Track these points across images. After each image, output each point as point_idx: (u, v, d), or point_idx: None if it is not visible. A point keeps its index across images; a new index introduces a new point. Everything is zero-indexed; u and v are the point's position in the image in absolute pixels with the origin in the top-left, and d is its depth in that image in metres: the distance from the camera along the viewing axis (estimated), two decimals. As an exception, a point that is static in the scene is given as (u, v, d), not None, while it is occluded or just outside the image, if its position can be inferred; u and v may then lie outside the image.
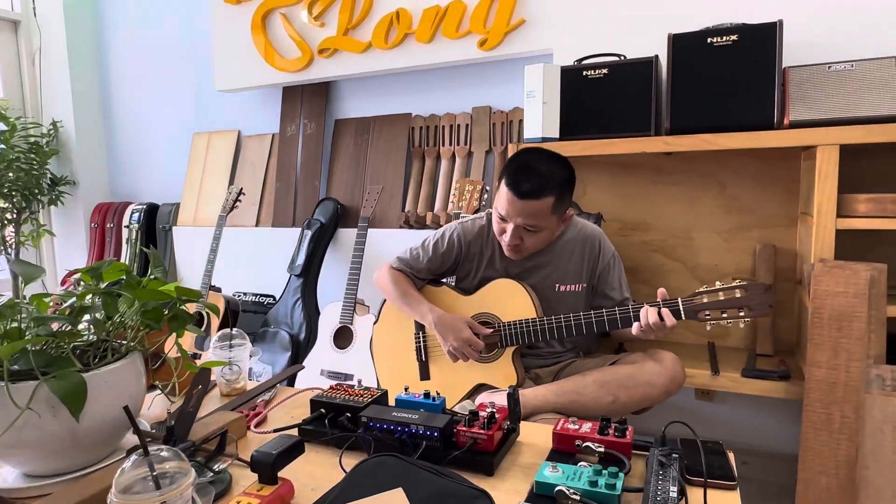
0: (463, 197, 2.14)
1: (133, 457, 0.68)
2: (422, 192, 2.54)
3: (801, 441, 1.46)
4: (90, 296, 0.98)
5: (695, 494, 0.77)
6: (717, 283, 1.35)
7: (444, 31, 2.32)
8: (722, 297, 1.32)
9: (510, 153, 1.89)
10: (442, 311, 1.51)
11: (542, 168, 1.36)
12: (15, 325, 0.89)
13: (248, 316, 2.79)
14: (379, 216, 2.56)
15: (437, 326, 1.49)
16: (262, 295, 2.81)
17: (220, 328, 2.45)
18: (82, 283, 1.02)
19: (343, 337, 2.29)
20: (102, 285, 1.01)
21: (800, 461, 1.46)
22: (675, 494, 0.68)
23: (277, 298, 2.66)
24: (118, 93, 3.49)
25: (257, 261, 2.87)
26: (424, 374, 1.61)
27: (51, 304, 0.98)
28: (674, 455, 0.78)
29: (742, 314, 1.31)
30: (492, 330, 1.48)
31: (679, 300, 1.36)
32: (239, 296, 2.85)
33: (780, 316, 1.88)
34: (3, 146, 3.04)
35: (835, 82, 1.58)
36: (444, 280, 1.66)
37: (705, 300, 1.34)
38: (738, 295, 1.32)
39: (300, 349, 2.43)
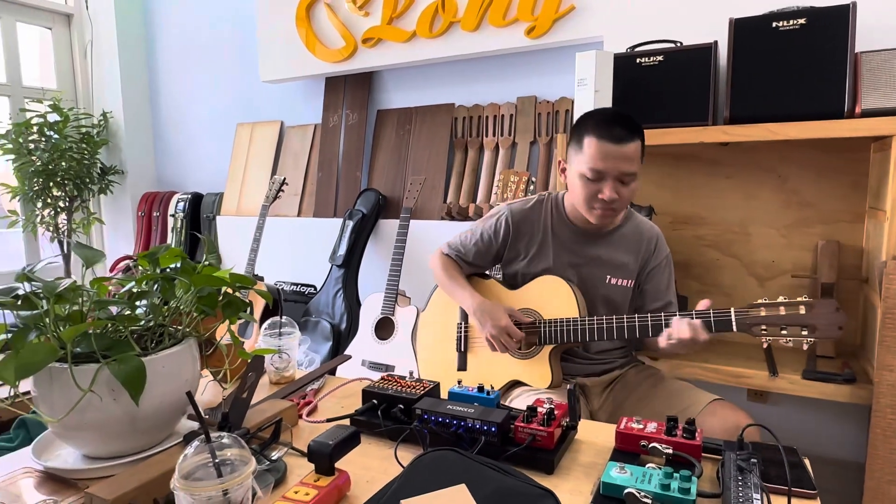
0: (508, 188, 2.10)
1: (195, 443, 0.67)
2: (464, 183, 2.51)
3: (869, 448, 1.38)
4: (147, 281, 0.98)
5: (775, 503, 0.72)
6: (781, 297, 1.20)
7: (491, 18, 2.27)
8: (783, 312, 1.17)
9: (557, 144, 1.85)
10: (483, 298, 1.48)
11: (622, 113, 1.34)
12: (76, 308, 0.90)
13: (288, 305, 2.81)
14: (421, 207, 2.54)
15: (477, 312, 1.46)
16: (302, 284, 2.83)
17: (262, 317, 2.47)
18: (139, 267, 1.03)
19: (384, 328, 2.28)
20: (158, 270, 1.01)
21: (867, 469, 1.38)
22: (759, 502, 0.63)
23: (318, 288, 2.67)
24: (165, 84, 3.56)
25: (298, 250, 2.89)
26: (462, 365, 1.58)
27: (109, 288, 0.99)
28: (753, 460, 0.74)
29: (805, 334, 1.15)
30: (532, 319, 1.44)
31: (732, 311, 1.22)
32: (280, 285, 2.87)
33: (843, 316, 1.78)
34: (56, 136, 3.13)
35: (912, 68, 1.48)
36: (490, 273, 1.63)
37: (763, 313, 1.19)
38: (802, 312, 1.15)
39: (341, 339, 2.44)
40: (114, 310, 0.95)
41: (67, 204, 3.29)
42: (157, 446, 0.94)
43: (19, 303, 0.87)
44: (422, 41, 2.45)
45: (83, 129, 3.32)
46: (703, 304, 1.27)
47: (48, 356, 0.80)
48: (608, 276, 1.45)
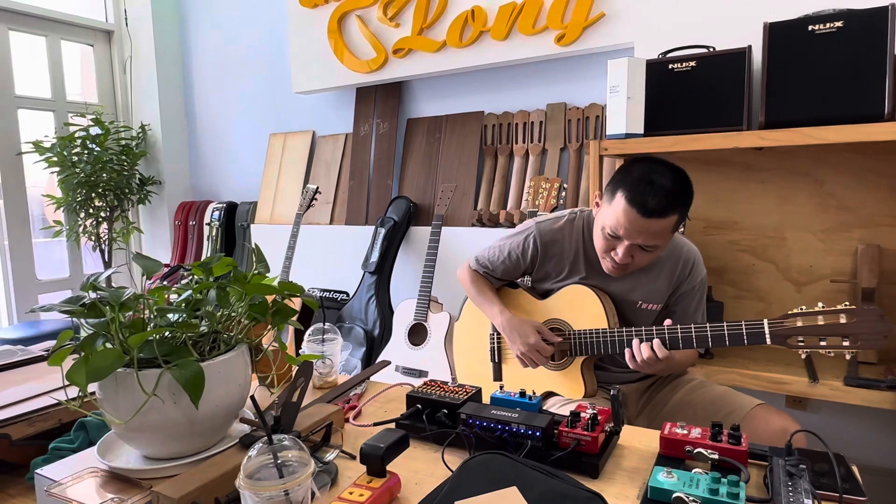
0: (539, 195, 2.11)
1: (259, 444, 0.71)
2: (494, 190, 2.53)
3: (916, 456, 1.36)
4: (202, 289, 1.02)
5: (824, 509, 0.72)
6: (820, 304, 1.14)
7: (521, 27, 2.30)
8: (821, 322, 1.10)
9: (587, 150, 1.86)
10: (511, 313, 1.47)
11: (667, 183, 1.22)
12: (138, 315, 0.94)
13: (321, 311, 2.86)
14: (452, 214, 2.57)
15: (506, 330, 1.46)
16: (335, 291, 2.88)
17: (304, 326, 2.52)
18: (194, 276, 1.07)
19: (417, 334, 2.31)
20: (212, 279, 1.06)
21: (914, 478, 1.36)
22: (810, 508, 0.64)
23: (351, 295, 2.72)
24: (200, 97, 3.66)
25: (331, 258, 2.95)
26: (497, 376, 1.60)
27: (166, 296, 1.03)
28: (802, 466, 0.74)
29: (846, 344, 1.08)
30: (561, 338, 1.43)
31: (765, 322, 1.15)
32: (313, 291, 2.93)
33: (885, 321, 1.75)
34: (98, 149, 3.25)
35: (955, 69, 1.46)
36: (520, 281, 1.63)
37: (799, 323, 1.12)
38: (842, 321, 1.09)
39: (374, 345, 2.48)
40: (172, 317, 0.99)
41: (108, 214, 3.41)
42: (212, 448, 0.97)
43: (86, 311, 0.92)
44: (452, 50, 2.49)
45: (123, 142, 3.44)
46: (667, 322, 1.25)
47: (116, 361, 0.84)
48: (640, 302, 1.42)
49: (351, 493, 0.78)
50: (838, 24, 1.56)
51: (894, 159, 1.72)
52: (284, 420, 0.94)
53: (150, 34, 3.54)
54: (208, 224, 3.40)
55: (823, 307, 1.13)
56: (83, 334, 0.90)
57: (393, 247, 2.63)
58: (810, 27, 1.59)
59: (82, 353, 0.85)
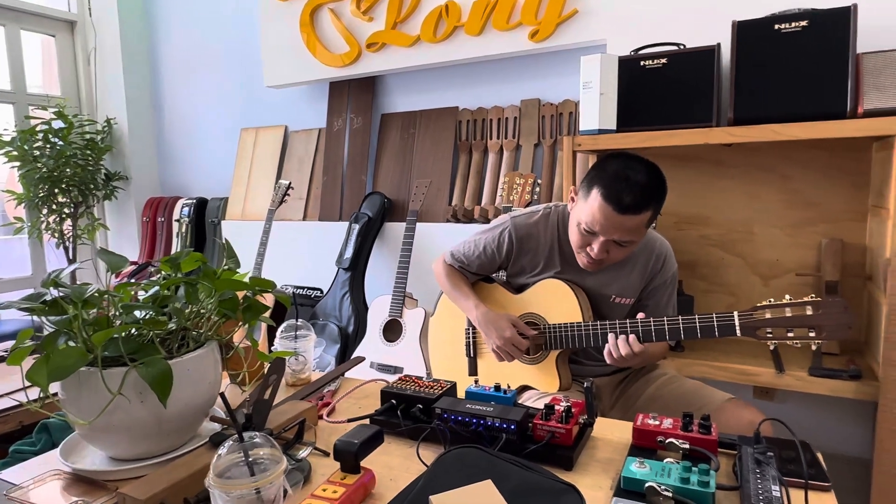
0: (513, 191, 2.12)
1: (229, 442, 0.69)
2: (469, 185, 2.53)
3: (877, 443, 1.40)
4: (170, 285, 1.00)
5: (792, 496, 0.74)
6: (787, 296, 1.16)
7: (495, 23, 2.29)
8: (789, 314, 1.13)
9: (561, 146, 1.87)
10: (487, 308, 1.48)
11: (642, 179, 1.24)
12: (102, 312, 0.91)
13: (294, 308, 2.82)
14: (426, 210, 2.56)
15: (482, 324, 1.46)
16: (309, 288, 2.84)
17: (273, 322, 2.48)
18: (161, 272, 1.05)
19: (392, 330, 2.30)
20: (180, 275, 1.03)
21: (875, 464, 1.40)
22: (778, 494, 0.65)
23: (325, 291, 2.69)
24: (169, 90, 3.58)
25: (304, 254, 2.91)
26: (472, 371, 1.60)
27: (133, 293, 1.00)
28: (769, 454, 0.76)
29: (813, 335, 1.11)
30: (536, 332, 1.44)
31: (735, 315, 1.18)
32: (287, 288, 2.89)
33: (847, 313, 1.80)
34: (61, 143, 3.15)
35: (913, 69, 1.51)
36: (496, 276, 1.63)
37: (768, 316, 1.15)
38: (809, 313, 1.11)
39: (349, 342, 2.46)
40: (137, 314, 0.97)
41: (72, 210, 3.30)
42: (182, 448, 0.95)
43: (47, 308, 0.89)
44: (426, 45, 2.48)
45: (87, 136, 3.34)
46: (640, 316, 1.27)
47: (79, 360, 0.81)
48: (614, 296, 1.43)
49: (324, 490, 0.77)
50: (803, 23, 1.59)
51: (856, 156, 1.77)
52: (256, 418, 0.92)
53: (116, 25, 3.44)
54: (178, 220, 3.33)
55: (791, 300, 1.16)
56: (46, 333, 0.87)
57: (367, 243, 2.61)
58: (776, 26, 1.62)
59: (43, 353, 0.82)
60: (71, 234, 3.32)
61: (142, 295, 1.01)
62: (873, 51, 1.56)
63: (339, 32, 2.68)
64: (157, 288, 0.98)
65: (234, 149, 3.30)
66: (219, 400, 1.19)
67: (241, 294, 1.04)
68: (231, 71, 3.29)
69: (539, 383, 1.45)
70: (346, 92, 2.88)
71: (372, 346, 2.31)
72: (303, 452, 0.88)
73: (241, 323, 1.08)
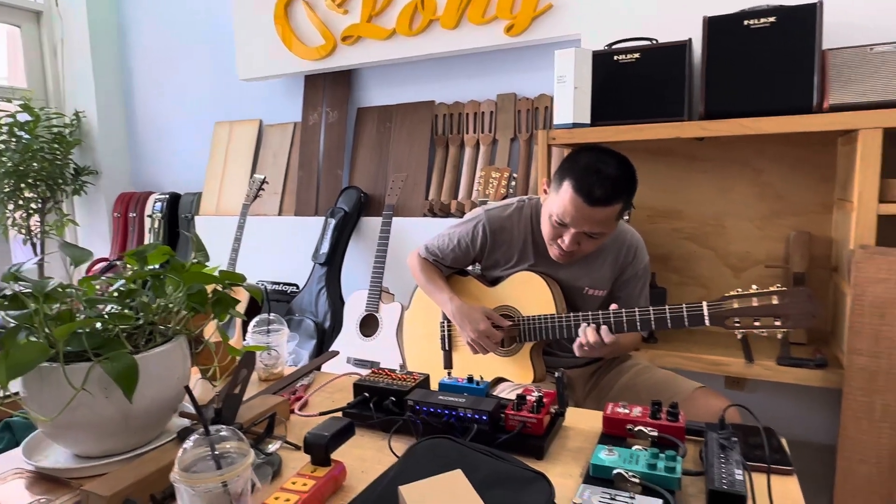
0: (489, 185, 2.12)
1: (195, 436, 0.68)
2: (445, 180, 2.53)
3: (841, 430, 1.44)
4: (136, 279, 0.98)
5: (755, 480, 0.75)
6: (753, 286, 1.19)
7: (470, 16, 2.29)
8: (756, 304, 1.16)
9: (537, 141, 1.88)
10: (461, 301, 1.48)
11: (613, 171, 1.25)
12: (65, 307, 0.89)
13: (271, 304, 2.80)
14: (403, 204, 2.55)
15: (456, 317, 1.46)
16: (284, 283, 2.82)
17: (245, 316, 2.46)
18: (127, 266, 1.03)
19: (369, 325, 2.29)
20: (147, 269, 1.01)
21: (839, 450, 1.44)
22: (741, 477, 0.67)
23: (301, 287, 2.67)
24: (140, 83, 3.50)
25: (280, 249, 2.88)
26: (447, 364, 1.60)
27: (97, 287, 0.98)
28: (734, 439, 0.77)
29: (778, 324, 1.14)
30: (511, 323, 1.44)
31: (704, 305, 1.21)
32: (262, 284, 2.86)
33: (814, 304, 1.85)
34: (27, 137, 3.06)
35: (876, 64, 1.54)
36: (471, 269, 1.64)
37: (735, 305, 1.17)
38: (774, 302, 1.14)
39: (325, 337, 2.44)
40: (102, 308, 0.95)
41: (40, 205, 3.22)
42: (150, 444, 0.94)
43: (7, 302, 0.86)
44: (401, 39, 2.46)
45: (55, 129, 3.25)
46: (612, 307, 1.29)
47: (39, 355, 0.79)
48: (586, 288, 1.45)
49: (294, 483, 0.76)
50: (771, 19, 1.62)
51: (823, 150, 1.81)
52: (226, 412, 0.91)
53: (84, 15, 3.35)
54: (150, 216, 3.27)
55: (758, 290, 1.18)
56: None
57: (343, 238, 2.60)
58: (745, 22, 1.65)
59: (3, 348, 0.80)
60: (39, 230, 3.24)
61: (108, 289, 0.98)
62: (838, 47, 1.59)
63: (314, 25, 2.65)
64: (122, 281, 0.96)
65: (208, 143, 3.24)
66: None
67: (211, 288, 1.03)
68: (204, 63, 3.23)
69: (513, 375, 1.46)
70: (322, 85, 2.85)
71: (348, 341, 2.30)
72: (273, 446, 0.87)
73: (211, 317, 1.07)
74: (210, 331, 1.11)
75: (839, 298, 1.71)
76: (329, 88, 2.83)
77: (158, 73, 3.42)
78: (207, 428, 0.69)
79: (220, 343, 1.19)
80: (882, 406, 1.40)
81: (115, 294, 0.95)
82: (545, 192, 1.39)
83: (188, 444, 0.68)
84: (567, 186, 1.26)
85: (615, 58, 1.83)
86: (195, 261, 1.08)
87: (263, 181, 2.69)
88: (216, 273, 1.02)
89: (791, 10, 1.60)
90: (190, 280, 0.96)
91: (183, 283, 0.97)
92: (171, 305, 0.99)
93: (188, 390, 0.70)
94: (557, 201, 1.29)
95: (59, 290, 0.89)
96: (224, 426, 0.70)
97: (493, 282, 1.53)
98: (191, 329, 1.02)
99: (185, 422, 1.02)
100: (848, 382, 1.44)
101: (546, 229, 1.36)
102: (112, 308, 0.93)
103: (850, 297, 1.46)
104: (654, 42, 1.84)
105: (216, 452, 0.68)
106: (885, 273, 1.42)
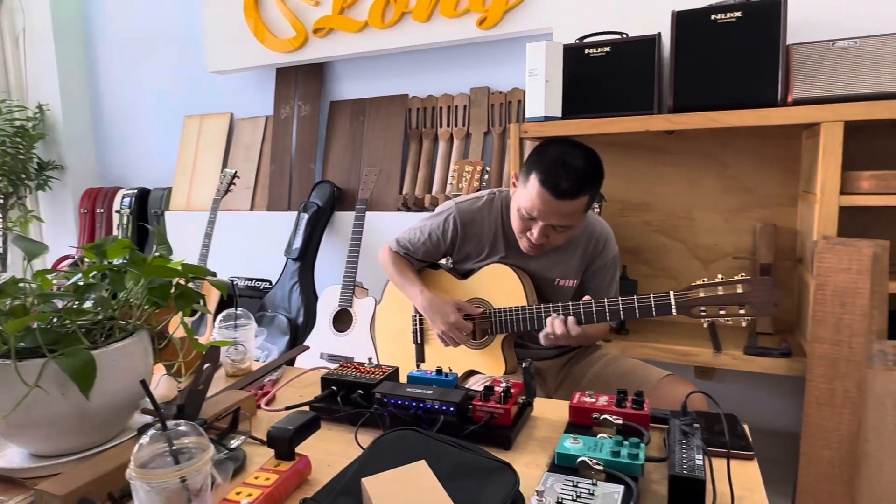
0: (463, 179, 2.12)
1: (151, 431, 0.67)
2: (419, 174, 2.52)
3: (804, 416, 1.47)
4: (94, 273, 0.95)
5: (715, 465, 0.77)
6: (719, 276, 1.21)
7: (442, 9, 2.28)
8: (721, 293, 1.18)
9: (510, 134, 1.88)
10: (432, 294, 1.48)
11: (579, 164, 1.25)
12: (18, 302, 0.86)
13: (243, 301, 2.76)
14: (376, 199, 2.54)
15: (427, 310, 1.46)
16: (257, 279, 2.78)
17: (216, 312, 2.42)
18: (86, 260, 1.00)
19: (342, 320, 2.27)
20: (106, 262, 0.99)
21: (802, 436, 1.47)
22: (700, 462, 0.68)
23: (274, 283, 2.63)
24: (106, 75, 3.41)
25: (252, 245, 2.84)
26: (420, 357, 1.60)
27: (54, 282, 0.95)
28: (695, 425, 0.78)
29: (742, 312, 1.16)
30: (480, 311, 1.44)
31: (671, 294, 1.23)
32: (234, 280, 2.82)
33: (780, 294, 1.89)
34: (-13, 129, 2.97)
35: (838, 59, 1.58)
36: (442, 262, 1.63)
37: (701, 294, 1.19)
38: (739, 290, 1.16)
39: (299, 333, 2.42)
40: (59, 304, 0.92)
41: (2, 201, 3.12)
42: (110, 442, 0.91)
43: (-44, 298, 0.83)
44: (374, 31, 2.44)
45: (17, 123, 3.16)
46: (585, 298, 1.30)
47: (-11, 351, 0.77)
48: (557, 279, 1.45)
49: (256, 478, 0.75)
50: (737, 14, 1.64)
51: (788, 143, 1.84)
52: (188, 408, 0.89)
53: (47, 4, 3.25)
54: (118, 212, 3.19)
55: (723, 279, 1.20)
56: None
57: (317, 232, 2.57)
58: (713, 16, 1.67)
59: (-50, 345, 0.77)
60: (1, 226, 3.14)
61: (64, 283, 0.96)
62: (802, 42, 1.62)
63: (285, 17, 2.61)
64: (79, 275, 0.93)
65: (178, 137, 3.18)
66: (154, 391, 1.14)
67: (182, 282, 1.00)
68: (173, 55, 3.16)
69: (485, 367, 1.46)
70: (294, 78, 2.81)
71: (322, 336, 2.28)
72: (236, 441, 0.86)
73: (174, 311, 1.05)
74: (174, 325, 1.09)
75: (803, 289, 1.75)
76: (301, 81, 2.80)
77: (126, 65, 3.34)
78: (164, 423, 0.67)
79: (186, 338, 1.16)
80: (843, 392, 1.44)
81: (72, 289, 0.92)
82: (514, 185, 1.39)
83: (144, 439, 0.66)
84: (534, 180, 1.27)
85: (586, 51, 1.84)
86: (157, 254, 1.06)
87: (234, 175, 2.65)
88: (180, 266, 1.00)
89: (756, 6, 1.62)
90: (151, 273, 0.94)
91: (144, 277, 0.94)
92: (131, 300, 0.97)
93: (144, 385, 0.69)
94: (525, 195, 1.30)
95: (12, 284, 0.86)
96: (182, 420, 0.69)
97: (465, 275, 1.53)
98: (153, 324, 1.00)
99: (148, 419, 1.00)
100: (811, 370, 1.47)
101: (515, 222, 1.36)
102: (68, 303, 0.90)
103: (812, 287, 1.49)
104: (624, 36, 1.85)
105: (174, 448, 0.67)
106: (846, 263, 1.46)
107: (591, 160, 1.28)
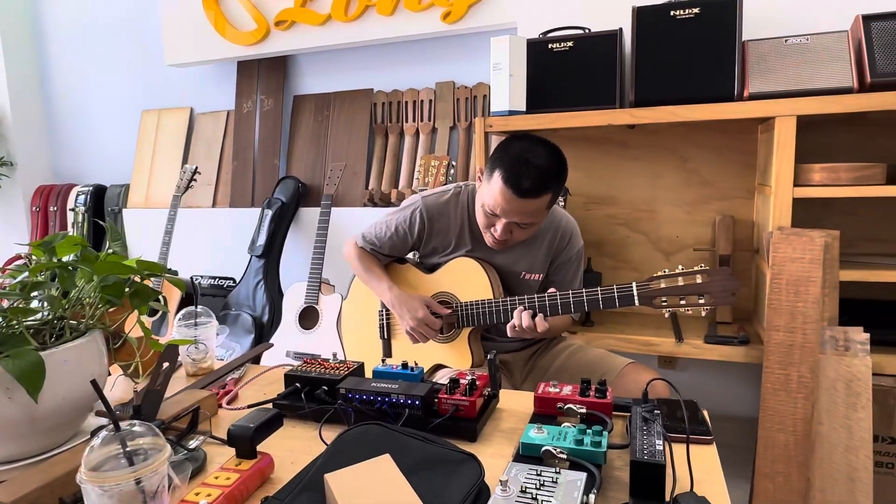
0: (429, 173, 2.11)
1: (104, 433, 0.64)
2: (385, 169, 2.50)
3: (761, 401, 1.52)
4: (43, 271, 0.91)
5: (675, 450, 0.78)
6: (679, 266, 1.24)
7: (406, 3, 2.27)
8: (681, 283, 1.21)
9: (475, 128, 1.88)
10: (400, 290, 1.47)
11: (542, 163, 1.25)
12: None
13: (206, 299, 2.70)
14: (342, 194, 2.51)
15: (395, 305, 1.46)
16: (220, 277, 2.72)
17: (178, 311, 2.36)
18: (33, 258, 0.96)
19: (309, 317, 2.24)
20: (55, 260, 0.95)
21: (760, 420, 1.52)
22: (660, 448, 0.69)
23: (238, 280, 2.58)
24: (58, 68, 3.28)
25: (215, 242, 2.78)
26: (387, 353, 1.59)
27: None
28: (656, 412, 0.80)
29: (702, 301, 1.19)
30: (449, 310, 1.45)
31: (634, 285, 1.25)
32: (197, 279, 2.75)
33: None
34: (-71, 124, 2.82)
35: (791, 55, 1.62)
36: (409, 257, 1.63)
37: (663, 285, 1.22)
38: (698, 280, 1.19)
39: (264, 331, 2.38)
40: (4, 303, 0.88)
41: (-53, 200, 2.98)
42: (61, 447, 0.88)
43: None
44: (337, 24, 2.41)
45: (-38, 117, 3.01)
46: (551, 291, 1.32)
47: (-72, 354, 0.73)
48: (523, 272, 1.46)
49: (216, 478, 0.73)
50: (695, 10, 1.68)
51: (745, 137, 1.89)
52: (146, 408, 0.86)
53: (-9, -6, 3.11)
54: (72, 210, 3.08)
55: (683, 269, 1.23)
56: None
57: (281, 229, 2.53)
58: (672, 12, 1.70)
59: None
60: (-54, 226, 3.00)
61: (10, 282, 0.92)
62: (757, 38, 1.67)
63: (246, 9, 2.56)
64: (26, 274, 0.89)
65: (135, 132, 3.08)
66: (107, 393, 1.11)
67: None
68: (129, 47, 3.06)
69: (452, 361, 1.46)
70: (256, 72, 2.76)
71: (288, 334, 2.24)
72: (195, 442, 0.84)
73: (130, 310, 1.02)
74: (131, 324, 1.05)
75: (760, 278, 1.80)
76: (263, 75, 2.74)
77: (79, 58, 3.21)
78: (117, 424, 0.65)
79: (143, 338, 1.13)
80: (798, 378, 1.49)
81: (18, 287, 0.88)
82: (479, 179, 1.39)
83: (96, 441, 0.64)
84: (497, 177, 1.27)
85: (549, 46, 1.85)
86: (111, 251, 1.02)
87: (195, 171, 2.59)
88: (134, 263, 0.97)
89: (713, 2, 1.66)
90: (103, 271, 0.91)
91: (96, 275, 0.91)
92: (84, 298, 0.94)
93: (95, 385, 0.66)
94: (489, 192, 1.30)
95: (-48, 284, 0.82)
96: (136, 421, 0.67)
97: (431, 269, 1.52)
98: (107, 323, 0.96)
99: (104, 421, 0.97)
100: (767, 357, 1.52)
101: (479, 217, 1.37)
102: (15, 302, 0.86)
103: (768, 277, 1.54)
104: (587, 31, 1.87)
105: (128, 449, 0.65)
106: (799, 252, 1.51)
107: (553, 158, 1.29)
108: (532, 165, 1.25)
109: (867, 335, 1.47)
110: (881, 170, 1.52)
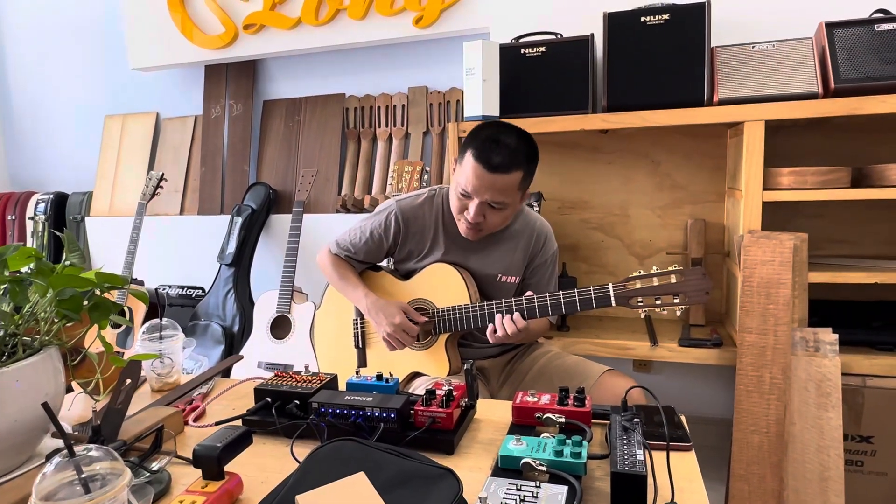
0: (403, 179, 2.09)
1: (56, 458, 0.60)
2: (358, 174, 2.47)
3: (735, 403, 1.53)
4: (-7, 285, 0.86)
5: (655, 457, 0.77)
6: (654, 267, 1.25)
7: (378, 7, 2.24)
8: (656, 283, 1.22)
9: (449, 134, 1.86)
10: (376, 296, 1.45)
11: (512, 141, 1.28)
12: None
13: (174, 310, 2.62)
14: (314, 201, 2.47)
15: (371, 312, 1.44)
16: (189, 287, 2.65)
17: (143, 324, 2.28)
18: (-17, 271, 0.90)
19: (281, 327, 2.19)
20: (7, 273, 0.90)
21: (734, 422, 1.53)
22: (641, 458, 0.68)
23: (207, 290, 2.51)
24: (15, 72, 3.16)
25: (183, 251, 2.70)
26: (362, 362, 1.56)
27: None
28: (636, 420, 0.79)
29: (677, 301, 1.21)
30: (426, 318, 1.43)
31: (610, 286, 1.26)
32: (164, 289, 2.67)
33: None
34: None
35: (758, 61, 1.65)
36: (384, 264, 1.60)
37: (638, 286, 1.24)
38: (673, 280, 1.21)
39: (234, 342, 2.32)
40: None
41: None
42: (15, 471, 0.83)
43: None
44: (308, 28, 2.37)
45: (-88, 123, 2.88)
46: (528, 293, 1.33)
47: None
48: (499, 275, 1.45)
49: (181, 502, 0.70)
50: (665, 16, 1.69)
51: (715, 142, 1.92)
52: (106, 428, 0.82)
53: (-56, -5, 2.99)
54: (32, 219, 2.96)
55: (658, 270, 1.24)
56: None
57: (252, 236, 2.47)
58: (643, 18, 1.72)
59: None
60: None
61: (-43, 298, 0.86)
62: (725, 44, 1.69)
63: (213, 12, 2.50)
64: (-26, 289, 0.84)
65: (98, 137, 2.98)
66: (64, 412, 1.05)
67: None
68: (91, 50, 2.97)
69: (429, 369, 1.44)
70: (224, 77, 2.70)
71: (259, 344, 2.19)
72: (159, 463, 0.80)
73: (90, 325, 0.97)
74: (91, 339, 1.00)
75: (731, 281, 1.82)
76: (232, 80, 2.68)
77: (37, 61, 3.10)
78: (71, 448, 0.61)
79: (103, 353, 1.08)
80: (770, 379, 1.50)
81: (-34, 303, 0.83)
82: (454, 169, 1.40)
83: (49, 468, 0.60)
84: (469, 156, 1.30)
85: (522, 51, 1.85)
86: (68, 263, 0.97)
87: (161, 178, 2.51)
88: (93, 276, 0.92)
89: (682, 8, 1.68)
90: (59, 284, 0.86)
91: (52, 289, 0.86)
92: (38, 313, 0.89)
93: (46, 408, 0.62)
94: (461, 172, 1.32)
95: None
96: (92, 445, 0.63)
97: (407, 275, 1.50)
98: (64, 339, 0.91)
99: (62, 443, 0.92)
100: (740, 359, 1.53)
101: (454, 203, 1.38)
102: (-38, 319, 0.81)
103: (740, 279, 1.56)
104: (559, 36, 1.88)
105: (84, 476, 0.61)
106: (769, 255, 1.53)
107: (523, 139, 1.32)
108: (502, 143, 1.28)
109: (836, 336, 1.49)
110: (846, 173, 1.55)
